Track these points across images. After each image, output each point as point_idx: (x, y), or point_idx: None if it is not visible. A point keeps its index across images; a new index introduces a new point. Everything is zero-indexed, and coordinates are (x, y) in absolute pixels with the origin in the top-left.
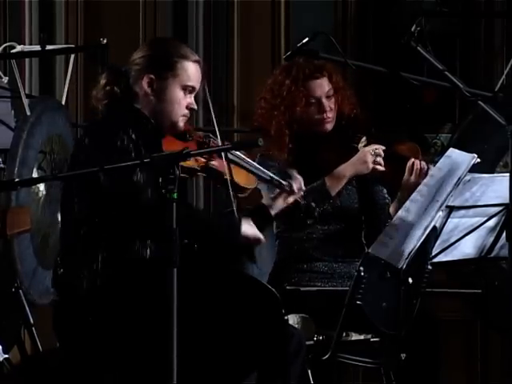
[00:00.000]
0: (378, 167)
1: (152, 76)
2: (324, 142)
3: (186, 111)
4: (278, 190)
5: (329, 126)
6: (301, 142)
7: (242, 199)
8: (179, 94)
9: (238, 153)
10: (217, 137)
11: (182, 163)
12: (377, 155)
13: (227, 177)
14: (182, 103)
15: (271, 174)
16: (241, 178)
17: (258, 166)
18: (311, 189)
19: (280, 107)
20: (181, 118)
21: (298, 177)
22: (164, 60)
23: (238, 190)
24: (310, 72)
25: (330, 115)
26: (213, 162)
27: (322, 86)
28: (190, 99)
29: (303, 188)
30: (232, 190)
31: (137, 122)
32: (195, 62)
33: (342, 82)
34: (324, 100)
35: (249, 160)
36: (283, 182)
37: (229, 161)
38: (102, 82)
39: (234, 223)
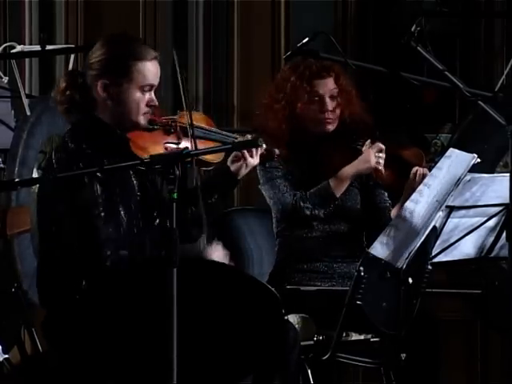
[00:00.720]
0: (379, 166)
1: (106, 81)
2: (325, 142)
3: (147, 109)
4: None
5: (330, 127)
6: (300, 139)
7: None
8: (136, 95)
9: (201, 125)
10: (184, 111)
11: (153, 153)
12: (379, 156)
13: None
14: (140, 103)
15: (234, 136)
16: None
17: (220, 131)
18: (316, 191)
19: (281, 102)
20: (142, 117)
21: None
22: (118, 64)
23: (205, 165)
24: (317, 70)
25: (332, 116)
26: (184, 145)
27: (327, 86)
28: (149, 96)
29: (263, 145)
30: (200, 166)
31: (101, 135)
32: (152, 59)
33: (349, 86)
34: (327, 99)
35: (212, 129)
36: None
37: (195, 138)
38: (62, 85)
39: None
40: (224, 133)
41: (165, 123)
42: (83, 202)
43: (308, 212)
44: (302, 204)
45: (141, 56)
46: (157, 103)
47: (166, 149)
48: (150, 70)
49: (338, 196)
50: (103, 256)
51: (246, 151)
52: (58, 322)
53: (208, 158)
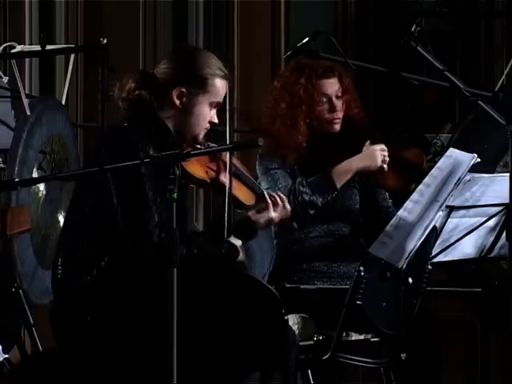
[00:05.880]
0: (385, 166)
1: (183, 90)
2: (334, 142)
3: (208, 125)
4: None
5: (337, 127)
6: (312, 141)
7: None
8: (206, 109)
9: (239, 166)
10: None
11: (193, 173)
12: (384, 154)
13: (229, 191)
14: (206, 118)
15: (263, 190)
16: (243, 194)
17: (254, 181)
18: (316, 179)
19: (301, 106)
20: (202, 132)
21: (284, 197)
22: (196, 76)
23: (237, 205)
24: (323, 71)
25: (340, 115)
26: (222, 178)
27: (333, 86)
28: (212, 113)
29: (288, 208)
30: (232, 205)
31: (156, 134)
32: (224, 77)
33: (351, 85)
34: (334, 99)
35: (248, 175)
36: (273, 195)
37: (232, 174)
38: (131, 84)
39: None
40: (253, 180)
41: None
42: (133, 187)
43: (306, 197)
44: (301, 188)
45: (216, 73)
46: (217, 121)
47: (206, 172)
48: (222, 87)
49: (338, 187)
50: (151, 232)
51: (271, 204)
52: (67, 313)
53: (242, 198)
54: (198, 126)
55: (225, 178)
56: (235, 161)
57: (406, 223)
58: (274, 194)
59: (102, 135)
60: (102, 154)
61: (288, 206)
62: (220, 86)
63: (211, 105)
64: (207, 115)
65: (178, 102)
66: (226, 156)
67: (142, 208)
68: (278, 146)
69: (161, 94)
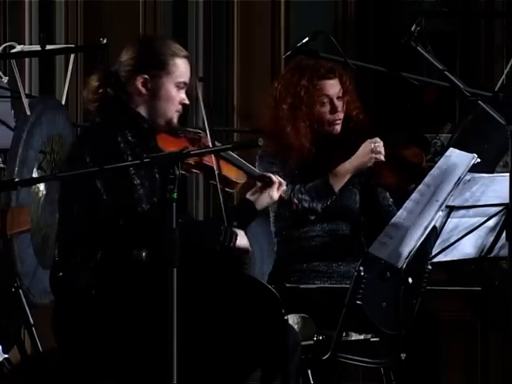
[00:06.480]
0: (378, 156)
1: (145, 76)
2: (333, 143)
3: (180, 107)
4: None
5: (338, 128)
6: (313, 143)
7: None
8: (173, 90)
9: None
10: (207, 135)
11: None
12: (377, 146)
13: (217, 171)
14: (175, 100)
15: (257, 170)
16: (231, 172)
17: (243, 161)
18: (315, 185)
19: (301, 107)
20: (175, 115)
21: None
22: (155, 59)
23: (228, 184)
24: (325, 72)
25: (341, 116)
26: (206, 159)
27: (334, 87)
28: (182, 95)
29: (284, 184)
30: (223, 185)
31: (132, 123)
32: (185, 57)
33: (351, 85)
34: (335, 100)
35: (236, 156)
36: (269, 176)
37: (218, 157)
38: (94, 84)
39: (230, 237)
40: (243, 161)
41: (191, 134)
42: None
43: (306, 204)
44: (300, 196)
45: (175, 53)
46: (188, 102)
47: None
48: (184, 66)
49: (336, 191)
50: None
51: (269, 187)
52: (69, 316)
53: (233, 177)
54: (169, 109)
55: (208, 158)
56: (219, 145)
57: (405, 223)
58: (268, 175)
59: (77, 136)
60: (81, 155)
61: (284, 182)
62: (182, 65)
63: (178, 86)
64: (176, 97)
65: (143, 89)
66: (208, 140)
67: (124, 180)
68: (282, 148)
69: (126, 86)
